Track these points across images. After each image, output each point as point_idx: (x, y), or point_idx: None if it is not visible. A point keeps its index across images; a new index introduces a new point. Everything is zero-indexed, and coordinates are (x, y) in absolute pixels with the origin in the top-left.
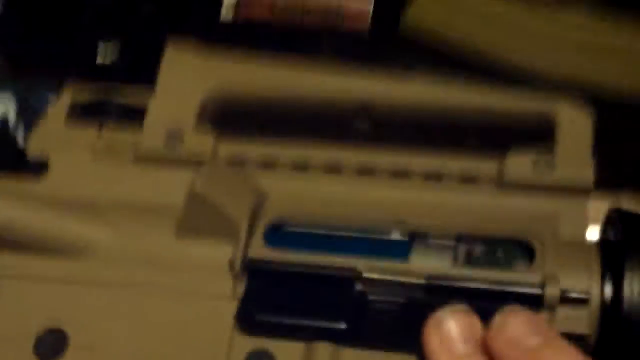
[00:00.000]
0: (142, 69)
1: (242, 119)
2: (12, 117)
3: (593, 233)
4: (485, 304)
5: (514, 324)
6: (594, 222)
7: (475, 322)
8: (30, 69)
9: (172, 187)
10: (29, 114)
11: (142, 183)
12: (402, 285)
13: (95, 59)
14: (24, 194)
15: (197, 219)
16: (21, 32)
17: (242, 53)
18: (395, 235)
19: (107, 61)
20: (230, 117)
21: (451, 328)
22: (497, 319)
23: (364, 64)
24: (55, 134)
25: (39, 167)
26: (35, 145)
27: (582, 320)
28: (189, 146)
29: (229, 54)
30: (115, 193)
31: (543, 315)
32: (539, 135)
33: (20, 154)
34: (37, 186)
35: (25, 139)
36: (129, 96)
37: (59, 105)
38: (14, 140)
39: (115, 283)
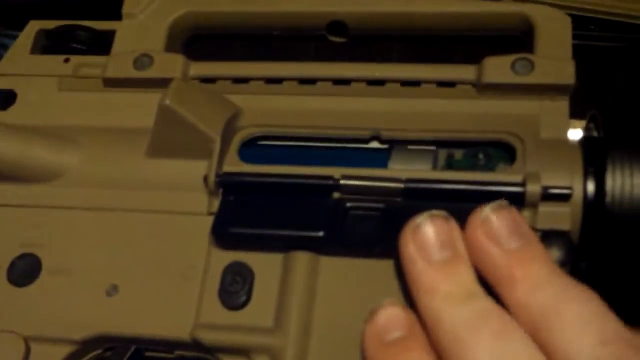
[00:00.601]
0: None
1: (212, 45)
2: None
3: (575, 134)
4: (466, 206)
5: (497, 222)
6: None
7: (454, 227)
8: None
9: (143, 109)
10: None
11: (111, 107)
12: (380, 190)
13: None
14: None
15: (169, 135)
16: None
17: None
18: (374, 144)
19: None
20: (200, 44)
21: (428, 233)
22: (483, 211)
23: None
24: (22, 63)
25: (6, 97)
26: (1, 75)
27: (565, 217)
28: (159, 66)
29: None
30: (84, 118)
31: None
32: (517, 43)
33: None
34: (4, 115)
35: None
36: (96, 25)
37: (24, 35)
38: None
39: (88, 206)
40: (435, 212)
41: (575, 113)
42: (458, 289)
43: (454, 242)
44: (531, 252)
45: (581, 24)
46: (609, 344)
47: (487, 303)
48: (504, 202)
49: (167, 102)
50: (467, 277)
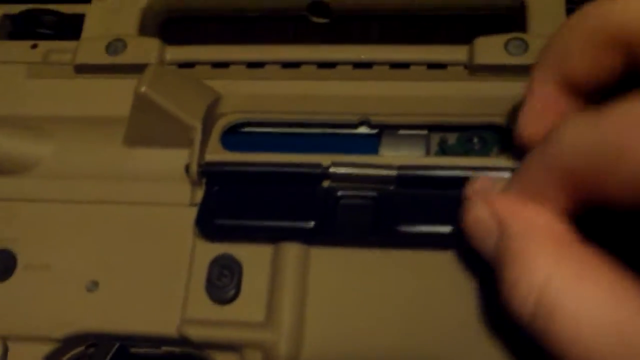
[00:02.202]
0: None
1: (191, 29)
2: None
3: None
4: (462, 193)
5: None
6: None
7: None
8: None
9: (117, 96)
10: None
11: (84, 95)
12: (372, 178)
13: None
14: None
15: (147, 124)
16: None
17: None
18: (362, 130)
19: None
20: (175, 28)
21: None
22: None
23: None
24: None
25: None
26: None
27: None
28: (133, 50)
29: None
30: (56, 107)
31: None
32: (509, 23)
33: None
34: None
35: None
36: (63, 9)
37: None
38: None
39: (64, 198)
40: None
41: None
42: None
43: None
44: None
45: None
46: None
47: None
48: None
49: (143, 89)
50: None
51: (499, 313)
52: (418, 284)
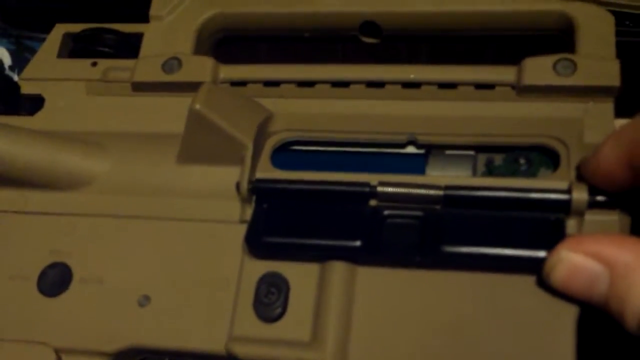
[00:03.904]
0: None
1: (242, 48)
2: (7, 62)
3: None
4: (509, 214)
5: None
6: None
7: None
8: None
9: (173, 114)
10: (25, 62)
11: (140, 112)
12: (418, 197)
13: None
14: (21, 128)
15: (200, 141)
16: None
17: None
18: (410, 149)
19: None
20: (230, 47)
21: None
22: None
23: None
24: (49, 67)
25: (34, 102)
26: (29, 80)
27: (613, 225)
28: (188, 69)
29: None
30: (113, 124)
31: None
32: (558, 43)
33: (15, 89)
34: (32, 121)
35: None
36: (122, 28)
37: (51, 39)
38: (8, 77)
39: (118, 214)
40: None
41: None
42: None
43: None
44: None
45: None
46: None
47: None
48: None
49: (198, 107)
50: None
51: (543, 337)
52: (463, 305)
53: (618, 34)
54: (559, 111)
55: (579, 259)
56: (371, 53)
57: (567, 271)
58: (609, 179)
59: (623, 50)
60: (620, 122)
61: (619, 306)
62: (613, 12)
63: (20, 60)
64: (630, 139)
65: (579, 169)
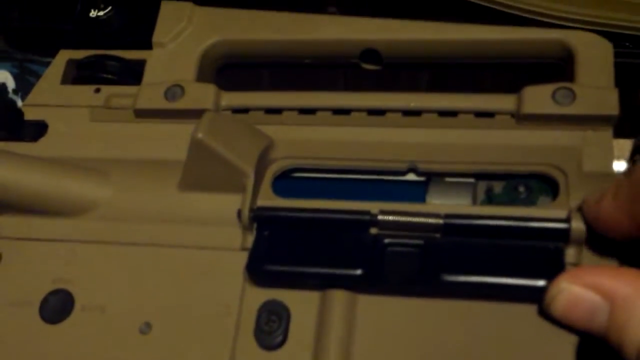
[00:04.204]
0: (137, 32)
1: (244, 75)
2: (10, 85)
3: (620, 166)
4: (509, 242)
5: None
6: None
7: None
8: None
9: (175, 141)
10: (28, 85)
11: (143, 139)
12: (419, 226)
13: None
14: (23, 155)
15: (201, 169)
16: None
17: (239, 7)
18: (411, 177)
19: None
20: (232, 73)
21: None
22: None
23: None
24: (52, 93)
25: (37, 128)
26: (32, 106)
27: (612, 254)
28: (190, 96)
29: (226, 9)
30: (116, 150)
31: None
32: (556, 72)
33: (18, 115)
34: (35, 147)
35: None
36: (125, 55)
37: (55, 65)
38: (12, 103)
39: (120, 241)
40: None
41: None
42: None
43: None
44: None
45: (616, 41)
46: None
47: None
48: None
49: (200, 135)
50: None
51: None
52: (464, 334)
53: (617, 55)
54: (558, 139)
55: (579, 291)
56: (373, 81)
57: (567, 302)
58: (609, 229)
59: (623, 71)
60: (620, 142)
61: (618, 337)
62: (612, 33)
63: (24, 84)
64: (628, 195)
65: (580, 210)
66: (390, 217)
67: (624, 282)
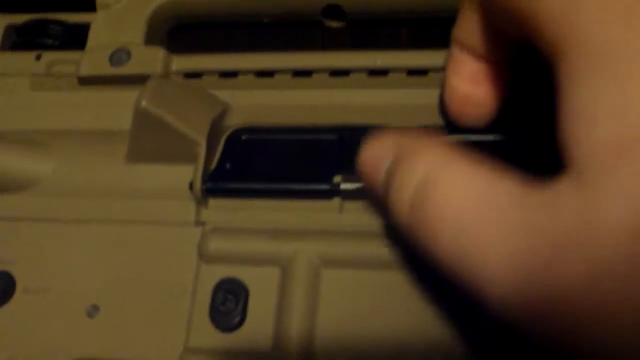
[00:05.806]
0: None
1: (196, 37)
2: None
3: None
4: None
5: None
6: None
7: None
8: None
9: (120, 109)
10: None
11: (87, 108)
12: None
13: None
14: None
15: (149, 139)
16: None
17: None
18: None
19: None
20: (183, 37)
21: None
22: None
23: None
24: None
25: None
26: None
27: None
28: (137, 61)
29: None
30: (59, 121)
31: None
32: None
33: None
34: None
35: None
36: (68, 18)
37: None
38: None
39: (64, 217)
40: None
41: None
42: None
43: None
44: None
45: None
46: None
47: None
48: None
49: (144, 103)
50: None
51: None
52: (427, 304)
53: None
54: None
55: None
56: (349, 41)
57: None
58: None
59: None
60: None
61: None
62: None
63: None
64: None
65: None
66: (353, 186)
67: (410, 137)
